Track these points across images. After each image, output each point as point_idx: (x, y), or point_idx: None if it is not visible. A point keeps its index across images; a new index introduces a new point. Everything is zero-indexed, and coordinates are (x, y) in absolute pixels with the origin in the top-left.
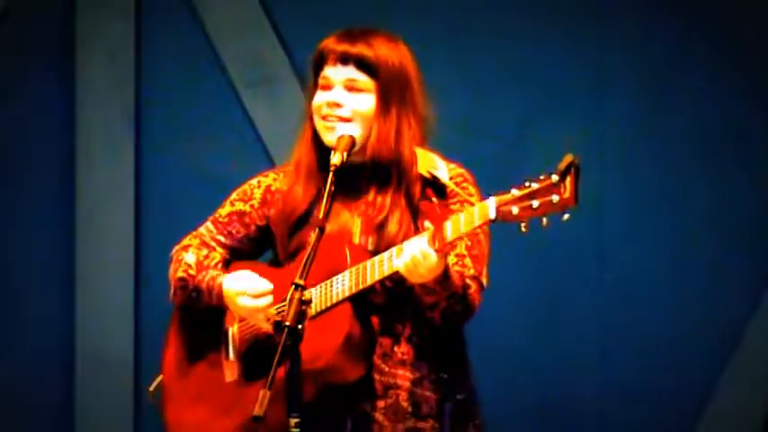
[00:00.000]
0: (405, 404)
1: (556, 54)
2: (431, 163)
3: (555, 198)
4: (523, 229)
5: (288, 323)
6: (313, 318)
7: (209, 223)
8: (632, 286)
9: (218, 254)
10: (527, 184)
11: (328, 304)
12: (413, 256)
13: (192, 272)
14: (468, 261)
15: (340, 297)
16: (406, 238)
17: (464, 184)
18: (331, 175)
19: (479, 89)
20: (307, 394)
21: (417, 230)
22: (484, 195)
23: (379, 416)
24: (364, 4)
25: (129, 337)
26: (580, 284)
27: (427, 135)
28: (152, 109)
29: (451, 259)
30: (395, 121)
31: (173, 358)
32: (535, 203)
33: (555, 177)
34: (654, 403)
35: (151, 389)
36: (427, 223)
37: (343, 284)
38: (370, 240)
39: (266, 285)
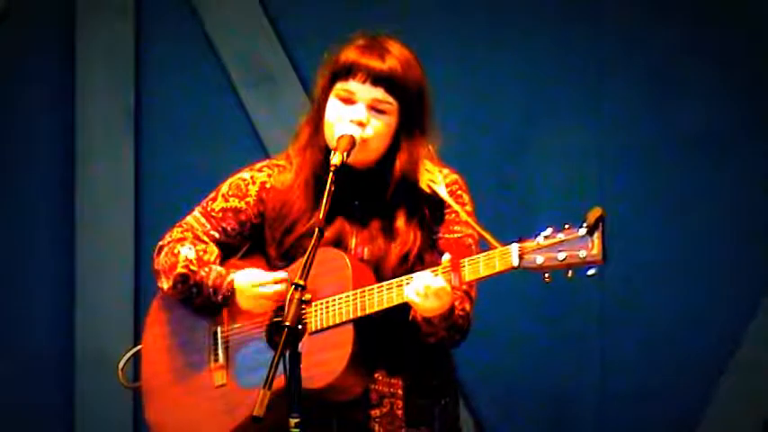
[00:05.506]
0: (399, 412)
1: (556, 53)
2: (429, 174)
3: (582, 253)
4: (546, 280)
5: (288, 323)
6: (313, 334)
7: (200, 216)
8: (632, 287)
9: (215, 248)
10: (552, 233)
11: (330, 323)
12: (426, 289)
13: (193, 267)
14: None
15: (344, 318)
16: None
17: (458, 192)
18: (331, 174)
19: (479, 88)
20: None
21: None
22: (474, 202)
23: (375, 425)
24: (364, 4)
25: (129, 337)
26: (580, 284)
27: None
28: (151, 109)
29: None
30: (418, 142)
31: (153, 355)
32: (561, 255)
33: (582, 231)
34: (654, 404)
35: (121, 365)
36: (446, 257)
37: (347, 305)
38: (366, 250)
39: (282, 273)
